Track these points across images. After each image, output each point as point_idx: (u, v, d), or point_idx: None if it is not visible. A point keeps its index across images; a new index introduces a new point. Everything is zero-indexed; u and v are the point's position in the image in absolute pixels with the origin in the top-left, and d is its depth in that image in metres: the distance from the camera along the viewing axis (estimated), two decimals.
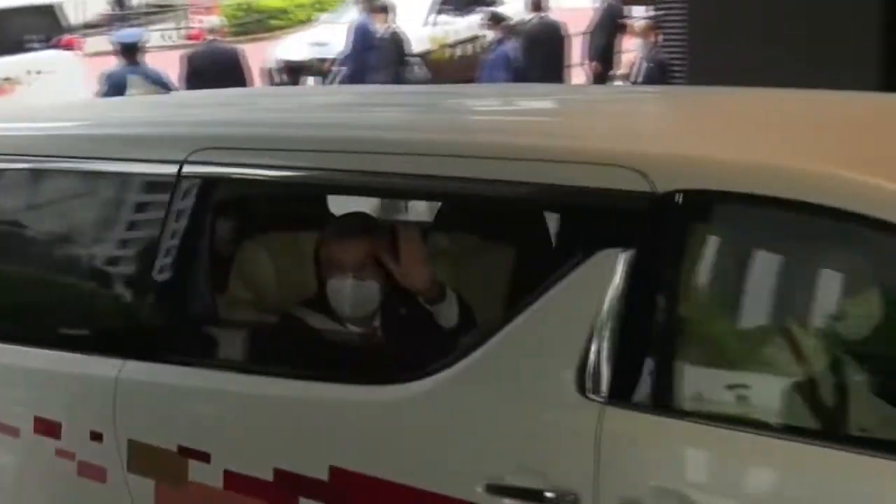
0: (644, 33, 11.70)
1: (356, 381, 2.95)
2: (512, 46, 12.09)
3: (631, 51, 12.53)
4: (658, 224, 2.58)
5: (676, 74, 9.96)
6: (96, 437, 3.25)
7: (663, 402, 2.57)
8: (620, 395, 2.60)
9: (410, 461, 2.82)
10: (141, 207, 3.33)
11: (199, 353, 3.20)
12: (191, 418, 3.15)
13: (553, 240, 2.92)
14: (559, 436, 2.67)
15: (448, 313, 3.18)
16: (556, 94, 3.55)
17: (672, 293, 2.59)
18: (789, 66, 5.66)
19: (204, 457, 3.07)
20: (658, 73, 10.88)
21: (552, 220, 2.91)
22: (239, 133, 3.27)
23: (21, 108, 4.10)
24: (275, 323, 3.31)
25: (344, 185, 3.08)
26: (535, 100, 3.47)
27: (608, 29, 13.34)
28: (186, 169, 3.19)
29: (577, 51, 13.46)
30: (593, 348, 2.62)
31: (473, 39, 15.91)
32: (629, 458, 2.58)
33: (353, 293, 3.24)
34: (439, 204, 3.55)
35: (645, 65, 11.35)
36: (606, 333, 2.61)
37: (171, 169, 3.21)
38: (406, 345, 3.11)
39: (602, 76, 12.91)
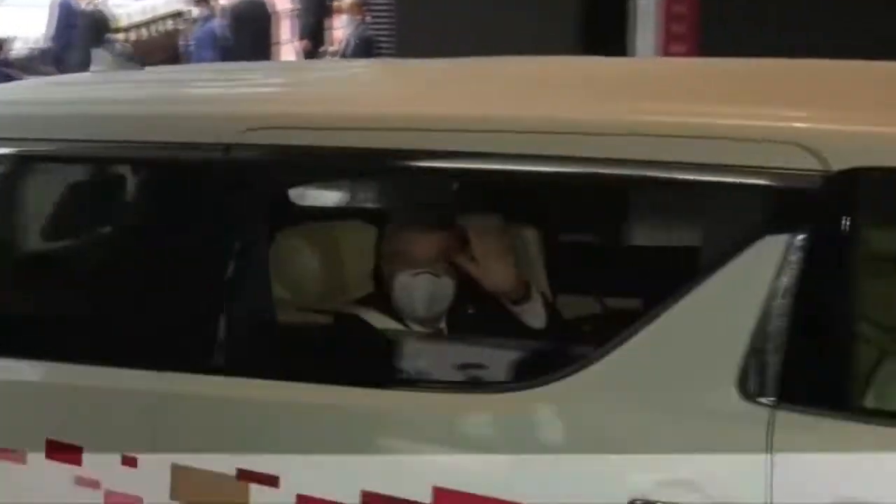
0: (351, 10, 11.91)
1: (460, 390, 2.61)
2: (219, 24, 12.07)
3: (340, 28, 12.82)
4: (832, 205, 2.32)
5: (384, 51, 10.81)
6: (129, 461, 2.83)
7: (844, 404, 2.31)
8: (793, 397, 2.33)
9: (532, 478, 2.50)
10: (180, 198, 2.90)
11: (256, 361, 2.80)
12: (252, 436, 2.75)
13: (702, 225, 2.63)
14: (721, 445, 2.38)
15: (535, 313, 2.88)
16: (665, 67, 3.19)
17: (850, 280, 2.33)
18: (495, 36, 5.80)
19: (270, 480, 2.69)
20: (365, 50, 11.47)
21: (701, 203, 2.61)
22: (300, 110, 2.87)
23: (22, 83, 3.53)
24: (337, 325, 2.94)
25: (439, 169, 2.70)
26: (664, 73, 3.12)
27: (316, 6, 13.41)
28: (234, 153, 2.79)
29: (287, 28, 13.62)
30: (759, 345, 2.34)
31: (148, 24, 15.48)
32: (807, 469, 2.31)
33: (427, 290, 2.92)
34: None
35: (353, 41, 11.84)
36: (774, 327, 2.34)
37: (216, 153, 2.81)
38: (513, 347, 2.78)
39: (312, 53, 13.03)
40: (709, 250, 2.45)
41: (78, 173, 3.14)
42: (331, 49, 13.00)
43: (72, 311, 3.03)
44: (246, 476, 2.71)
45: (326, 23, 13.48)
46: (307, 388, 2.71)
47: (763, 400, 2.34)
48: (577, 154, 2.48)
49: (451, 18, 7.46)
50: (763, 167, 2.37)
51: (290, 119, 2.80)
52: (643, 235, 3.27)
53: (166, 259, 2.87)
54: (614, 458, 2.45)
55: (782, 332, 2.33)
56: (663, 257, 2.78)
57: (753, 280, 2.35)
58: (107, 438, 2.87)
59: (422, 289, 2.93)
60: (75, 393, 2.92)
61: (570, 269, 3.29)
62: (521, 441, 2.52)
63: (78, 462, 2.88)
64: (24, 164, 3.11)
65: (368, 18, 11.73)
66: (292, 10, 13.49)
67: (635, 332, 2.46)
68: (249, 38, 12.03)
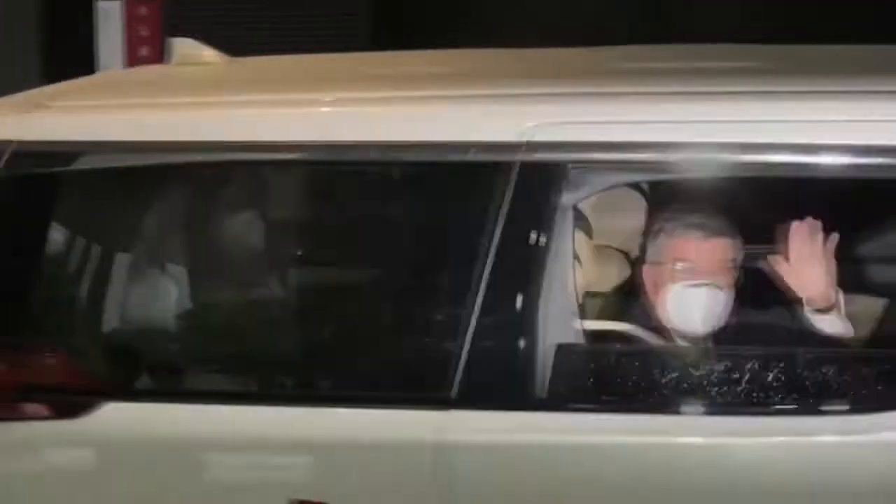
0: None
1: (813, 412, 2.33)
2: None
3: None
4: None
5: None
6: None
7: None
8: None
9: None
10: (452, 209, 2.50)
11: (583, 392, 2.43)
12: (591, 483, 2.36)
13: None
14: None
15: (837, 323, 2.61)
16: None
17: None
18: None
19: None
20: None
21: None
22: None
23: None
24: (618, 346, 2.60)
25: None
26: None
27: None
28: (524, 156, 2.41)
29: None
30: None
31: None
32: None
33: (708, 304, 2.63)
34: None
35: None
36: None
37: (501, 156, 2.42)
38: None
39: None
40: None
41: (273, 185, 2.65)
42: None
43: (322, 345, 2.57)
44: None
45: None
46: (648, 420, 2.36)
47: None
48: None
49: None
50: None
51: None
52: None
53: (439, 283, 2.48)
54: None
55: None
56: None
57: None
58: (378, 495, 2.44)
59: (702, 302, 2.64)
60: (333, 442, 2.47)
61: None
62: None
63: None
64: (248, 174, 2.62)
65: None
66: None
67: None
68: None
